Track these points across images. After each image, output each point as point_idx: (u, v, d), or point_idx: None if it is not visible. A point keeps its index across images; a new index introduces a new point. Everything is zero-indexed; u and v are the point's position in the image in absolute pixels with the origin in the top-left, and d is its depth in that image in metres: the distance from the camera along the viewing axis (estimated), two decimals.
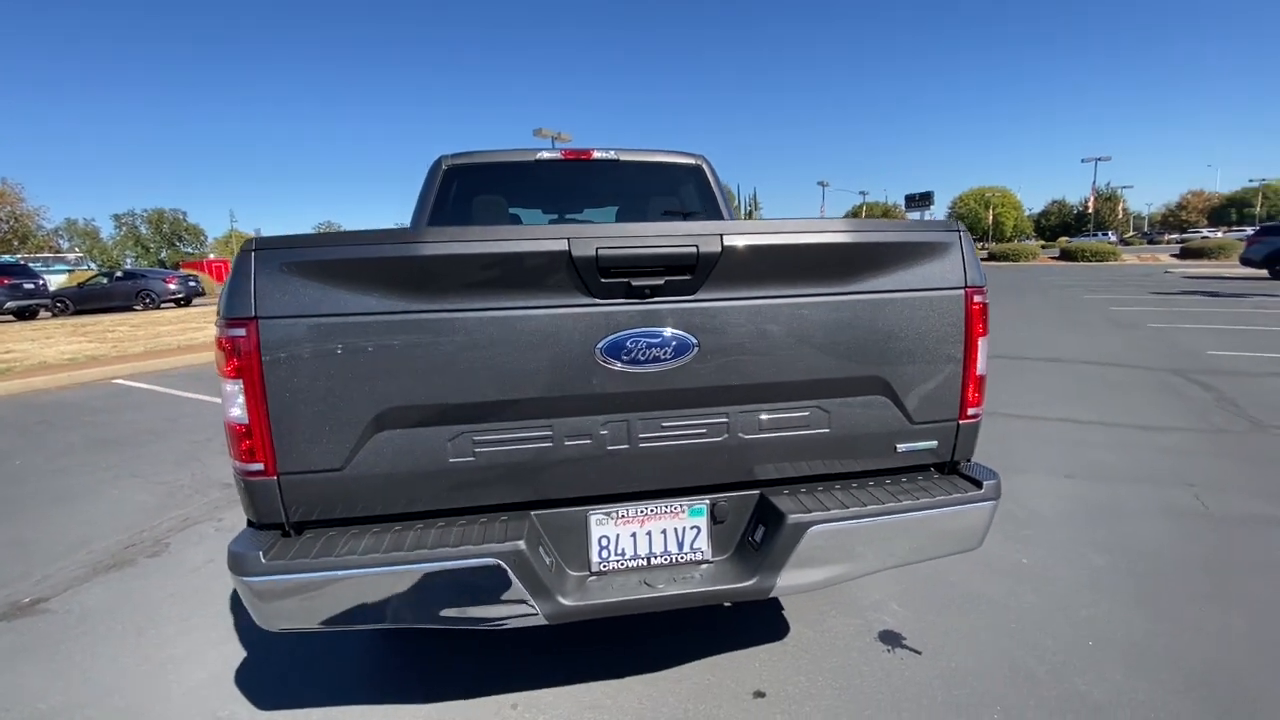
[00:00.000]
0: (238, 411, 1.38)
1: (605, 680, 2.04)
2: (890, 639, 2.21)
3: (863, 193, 61.96)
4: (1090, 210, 51.84)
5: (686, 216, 3.39)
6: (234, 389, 1.37)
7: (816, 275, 1.49)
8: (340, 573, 1.35)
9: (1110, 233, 49.88)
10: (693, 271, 1.42)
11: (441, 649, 2.24)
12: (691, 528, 1.59)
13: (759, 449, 1.55)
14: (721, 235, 1.41)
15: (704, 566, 1.59)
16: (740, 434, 1.53)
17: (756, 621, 2.33)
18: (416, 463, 1.44)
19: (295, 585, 1.35)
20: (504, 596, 1.40)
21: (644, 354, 1.43)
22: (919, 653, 2.13)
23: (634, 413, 1.48)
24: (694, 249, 1.39)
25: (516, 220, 3.43)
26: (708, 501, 1.59)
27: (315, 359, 1.36)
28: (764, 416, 1.53)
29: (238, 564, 1.37)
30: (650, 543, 1.57)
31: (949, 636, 2.20)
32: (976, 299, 1.58)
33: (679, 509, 1.58)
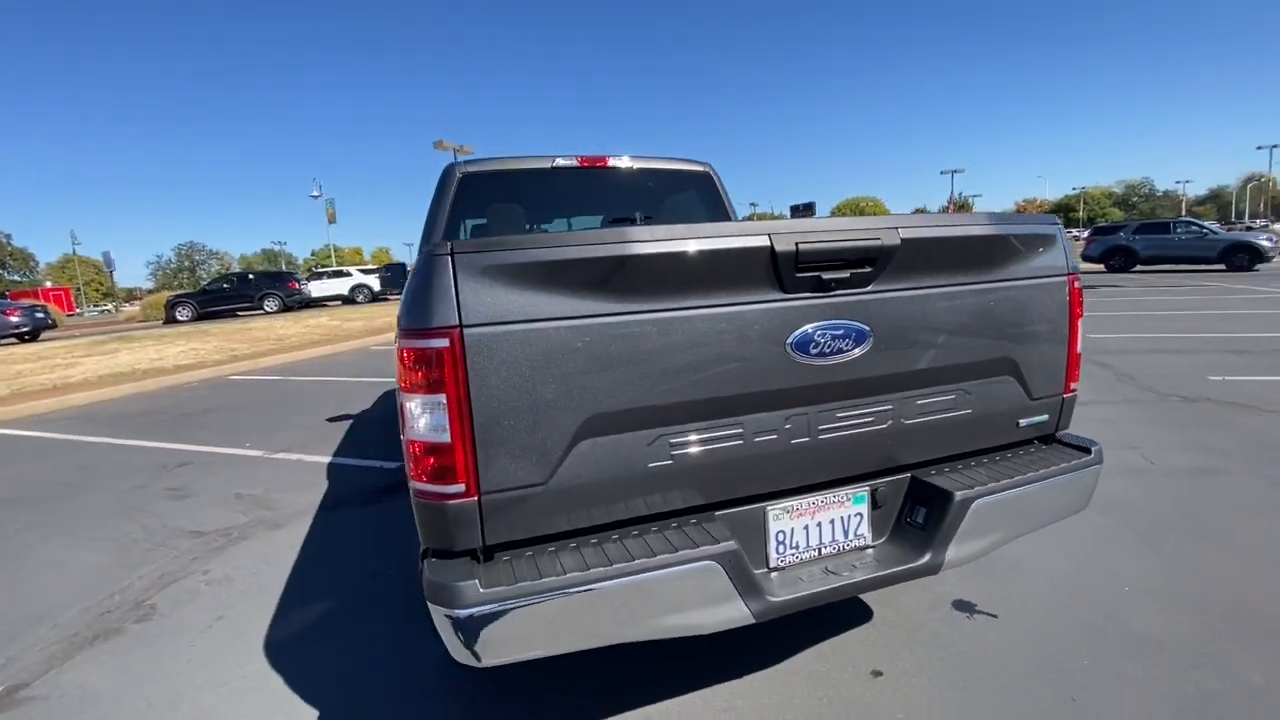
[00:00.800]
0: (434, 429, 1.27)
1: (727, 682, 2.04)
2: (965, 607, 2.37)
3: (753, 204, 65.39)
4: None
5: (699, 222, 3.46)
6: (428, 404, 1.27)
7: (965, 265, 1.61)
8: (561, 594, 1.27)
9: None
10: (874, 264, 1.48)
11: (561, 668, 2.13)
12: (855, 515, 1.65)
13: (914, 433, 1.63)
14: (899, 229, 1.48)
15: (868, 552, 1.65)
16: (901, 419, 1.61)
17: (830, 608, 2.42)
18: (617, 470, 1.39)
19: (514, 612, 1.26)
20: (717, 599, 1.38)
21: (829, 346, 1.47)
22: (995, 616, 2.30)
23: (816, 405, 1.51)
24: (879, 242, 1.45)
25: (537, 228, 3.35)
26: (868, 488, 1.65)
27: (522, 367, 1.29)
28: (920, 402, 1.62)
29: (448, 596, 1.25)
30: (820, 534, 1.61)
31: (1011, 600, 2.40)
32: (1076, 284, 1.77)
33: (844, 498, 1.63)
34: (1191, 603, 2.30)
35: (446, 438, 1.28)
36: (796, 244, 1.40)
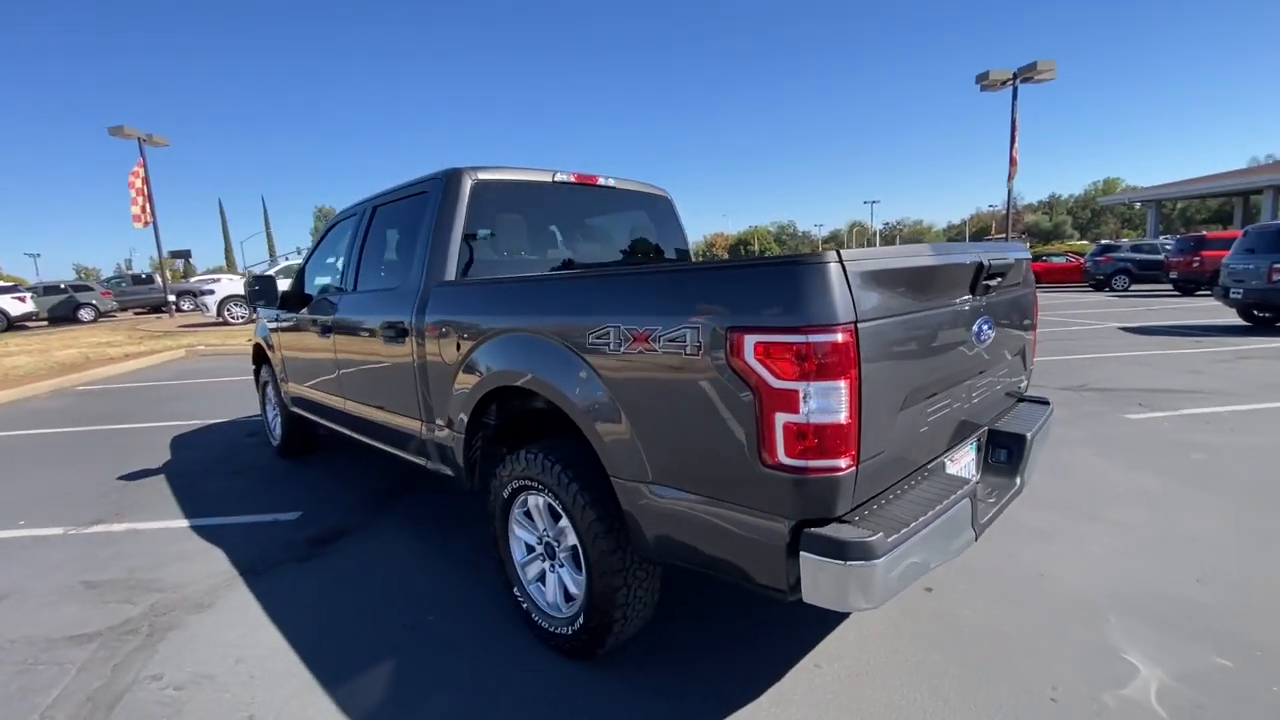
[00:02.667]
0: (832, 412, 1.45)
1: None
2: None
3: (724, 215, 67.01)
4: None
5: (658, 244, 3.79)
6: (826, 390, 1.44)
7: (1017, 280, 2.33)
8: (916, 535, 1.56)
9: None
10: (1003, 277, 2.08)
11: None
12: (972, 460, 2.22)
13: (993, 397, 2.29)
14: (1013, 254, 2.12)
15: (977, 483, 2.22)
16: (995, 387, 2.25)
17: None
18: (912, 436, 1.72)
19: (900, 555, 1.50)
20: (964, 524, 1.80)
21: (984, 335, 2.03)
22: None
23: (974, 379, 2.05)
24: (1013, 261, 2.06)
25: (539, 238, 3.29)
26: (976, 439, 2.24)
27: (883, 353, 1.55)
28: (1000, 374, 2.29)
29: (866, 550, 1.44)
30: (959, 472, 2.15)
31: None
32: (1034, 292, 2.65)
33: (968, 448, 2.19)
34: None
35: (843, 419, 1.47)
36: (990, 261, 1.93)
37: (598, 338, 1.90)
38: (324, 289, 3.98)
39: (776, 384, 1.49)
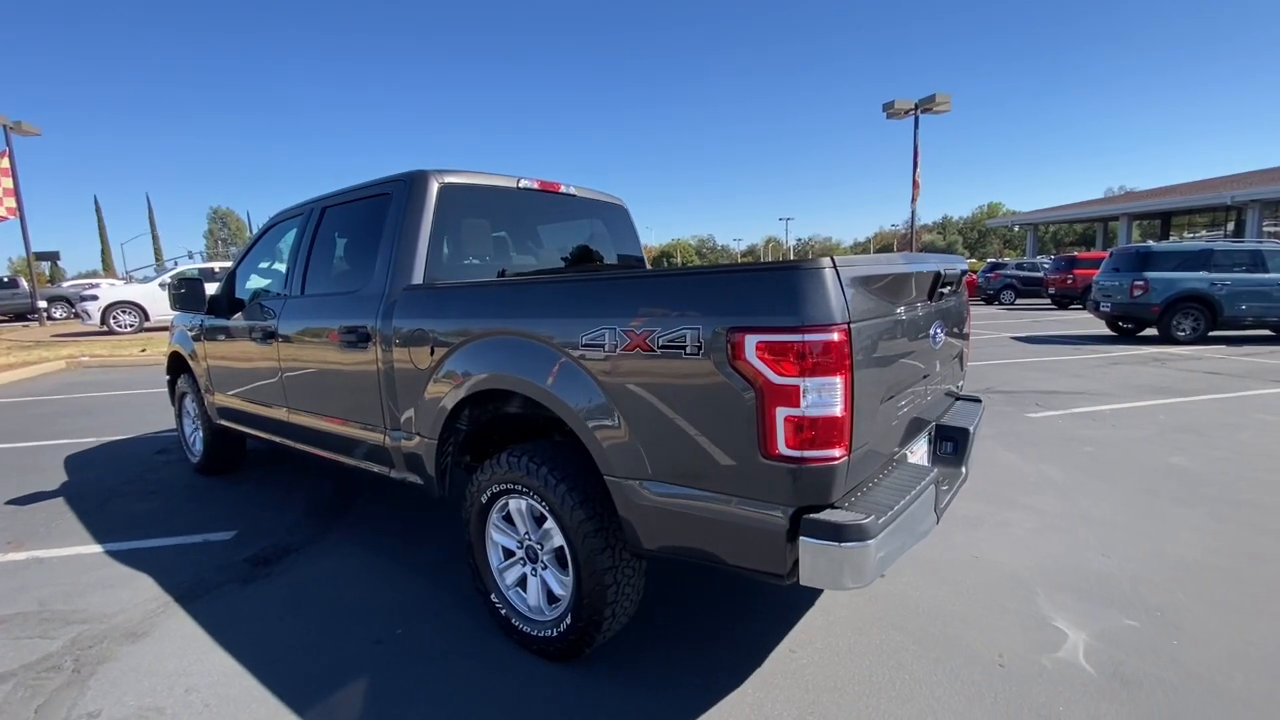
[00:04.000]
0: (828, 405, 1.57)
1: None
2: None
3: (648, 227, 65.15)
4: None
5: (616, 252, 3.87)
6: (823, 385, 1.56)
7: (961, 285, 2.58)
8: (898, 517, 1.71)
9: None
10: (953, 285, 2.31)
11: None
12: (925, 451, 2.44)
13: (939, 394, 2.52)
14: (959, 265, 2.35)
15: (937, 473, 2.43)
16: (941, 384, 2.48)
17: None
18: (885, 429, 1.88)
19: (888, 535, 1.64)
20: (929, 508, 1.98)
21: (937, 337, 2.24)
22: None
23: (929, 377, 2.25)
24: (959, 272, 2.29)
25: (500, 244, 3.27)
26: (927, 432, 2.46)
27: (869, 351, 1.69)
28: (945, 373, 2.52)
29: (861, 532, 1.56)
30: (918, 462, 2.35)
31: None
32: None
33: (922, 441, 2.40)
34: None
35: (839, 412, 1.59)
36: (943, 271, 2.14)
37: (591, 340, 1.95)
38: (261, 293, 3.77)
39: (778, 380, 1.59)
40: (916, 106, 18.19)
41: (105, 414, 6.97)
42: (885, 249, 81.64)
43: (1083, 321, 14.88)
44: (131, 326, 15.50)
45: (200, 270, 16.48)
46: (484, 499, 2.39)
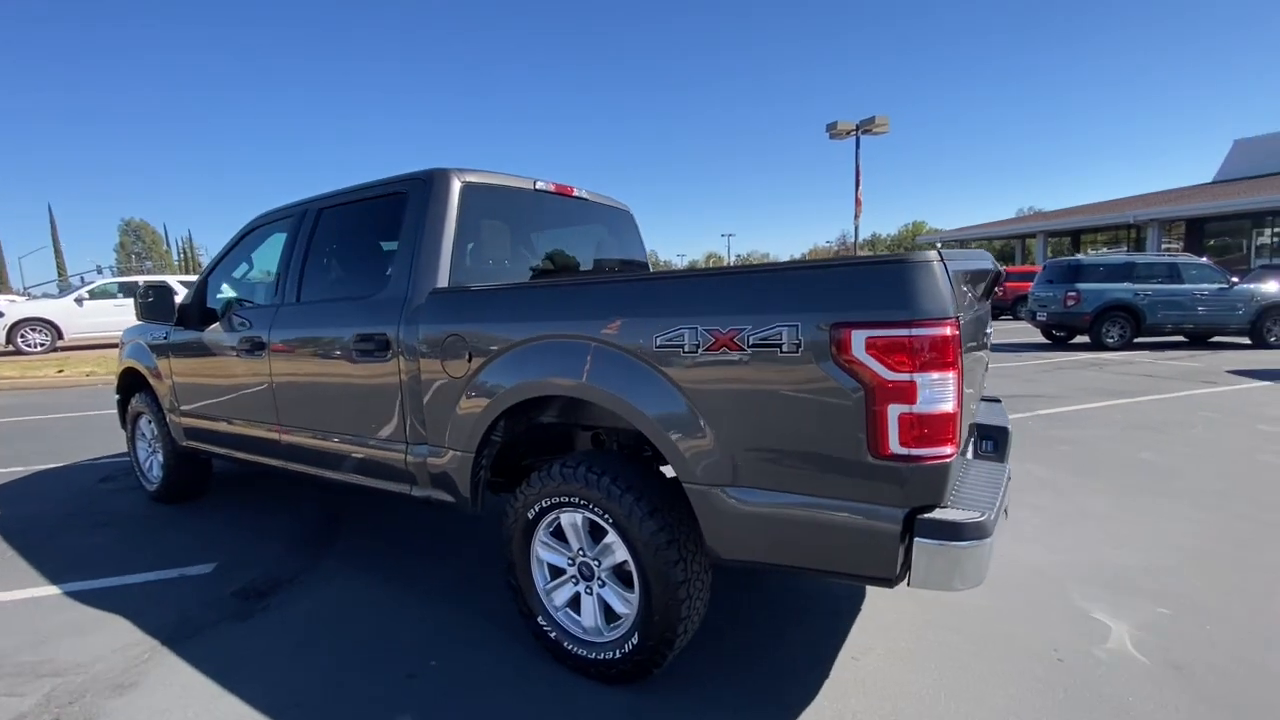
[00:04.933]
0: (943, 402, 1.54)
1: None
2: None
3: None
4: None
5: (624, 258, 3.80)
6: (939, 381, 1.53)
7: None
8: (999, 509, 1.70)
9: None
10: (998, 285, 2.36)
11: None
12: (970, 449, 2.45)
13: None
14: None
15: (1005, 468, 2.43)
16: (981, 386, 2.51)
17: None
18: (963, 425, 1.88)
19: (996, 533, 1.62)
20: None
21: (988, 334, 2.28)
22: None
23: (979, 374, 2.29)
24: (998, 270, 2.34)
25: (517, 246, 3.12)
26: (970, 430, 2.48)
27: (966, 348, 1.68)
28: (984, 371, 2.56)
29: (980, 530, 1.53)
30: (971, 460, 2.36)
31: None
32: None
33: (970, 438, 2.42)
34: None
35: (951, 407, 1.56)
36: (1002, 271, 2.17)
37: (667, 341, 1.86)
38: (240, 302, 3.47)
39: (890, 376, 1.55)
40: (857, 128, 19.01)
41: (27, 441, 6.27)
42: None
43: (1017, 331, 15.81)
44: (42, 346, 14.08)
45: (120, 285, 15.19)
46: (530, 514, 2.24)
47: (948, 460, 1.58)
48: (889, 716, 1.98)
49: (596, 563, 2.17)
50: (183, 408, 3.79)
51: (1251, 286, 11.32)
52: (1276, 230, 23.55)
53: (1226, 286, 11.20)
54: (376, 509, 4.00)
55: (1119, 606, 2.59)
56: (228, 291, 3.67)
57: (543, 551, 2.29)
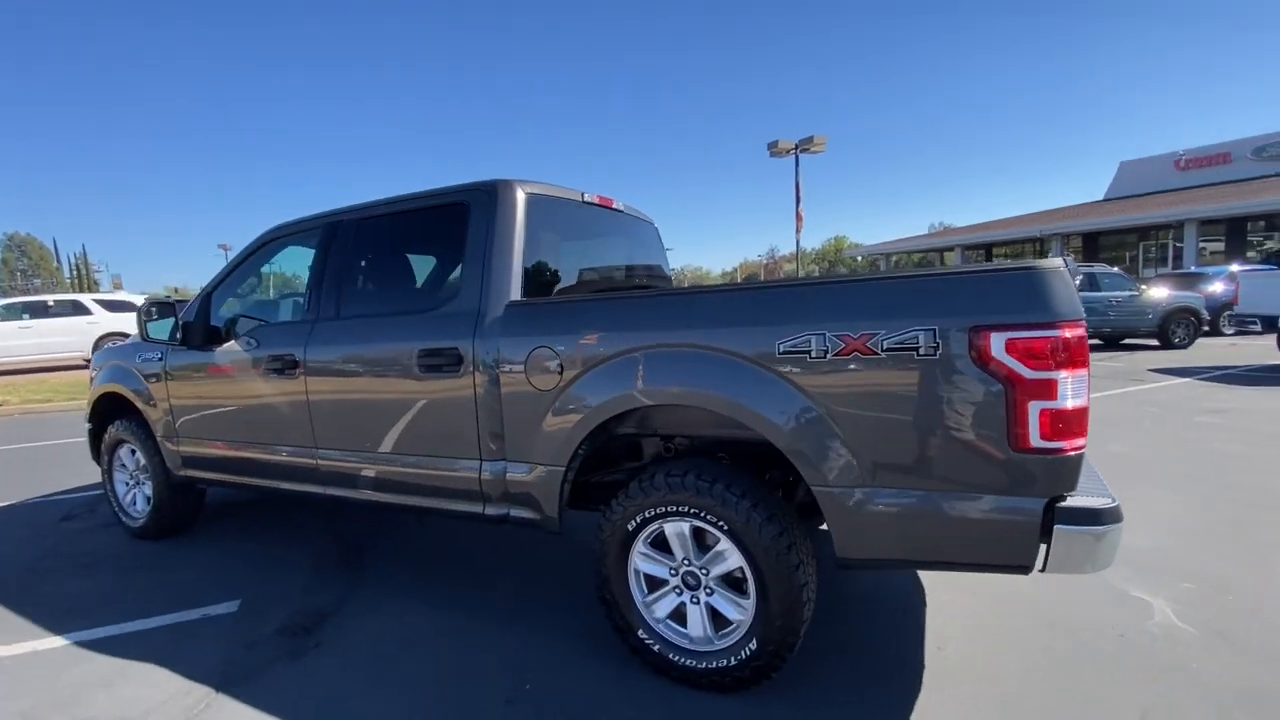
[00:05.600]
0: (1080, 396, 1.66)
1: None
2: None
3: None
4: None
5: (649, 266, 3.83)
6: (1077, 379, 1.65)
7: None
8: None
9: None
10: None
11: None
12: None
13: None
14: None
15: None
16: None
17: None
18: None
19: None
20: None
21: None
22: None
23: None
24: None
25: (570, 257, 3.09)
26: None
27: None
28: None
29: (1115, 515, 1.65)
30: None
31: None
32: None
33: None
34: None
35: (1084, 401, 1.68)
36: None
37: (793, 347, 1.91)
38: (253, 319, 3.27)
39: (1031, 375, 1.66)
40: (797, 146, 19.88)
41: None
42: (751, 277, 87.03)
43: None
44: None
45: (26, 306, 13.73)
46: (630, 526, 2.22)
47: (1082, 450, 1.70)
48: (1001, 698, 2.08)
49: (704, 571, 2.17)
50: (182, 434, 3.50)
51: (1155, 292, 12.57)
52: (1161, 243, 26.31)
53: (1137, 293, 12.39)
54: (388, 533, 3.83)
55: (1149, 584, 2.82)
56: (238, 309, 3.44)
57: (642, 563, 2.27)
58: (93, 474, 5.46)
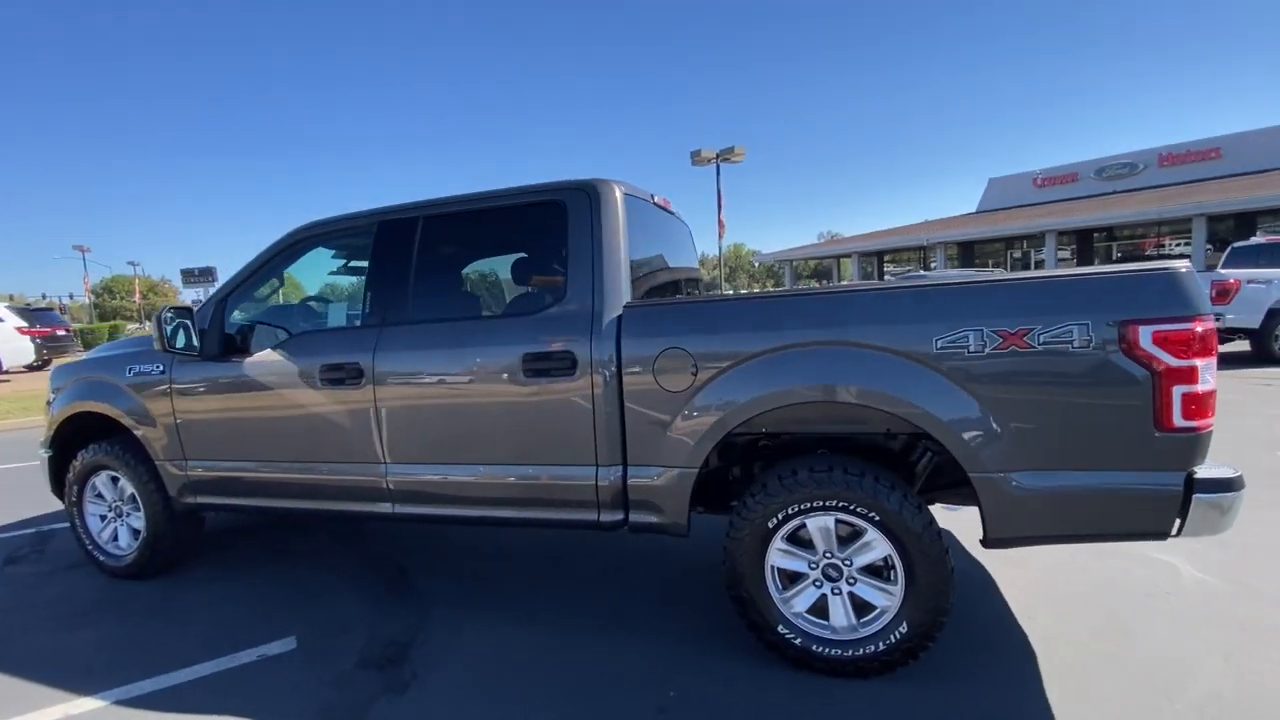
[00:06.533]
0: (1211, 380, 1.89)
1: None
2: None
3: (132, 263, 55.20)
4: None
5: (689, 268, 3.88)
6: (1209, 365, 1.88)
7: None
8: None
9: None
10: None
11: None
12: None
13: None
14: None
15: None
16: None
17: None
18: None
19: None
20: None
21: None
22: None
23: None
24: None
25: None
26: None
27: None
28: None
29: (1242, 481, 1.89)
30: None
31: None
32: None
33: None
34: None
35: (1214, 384, 1.91)
36: None
37: (950, 343, 2.03)
38: (286, 326, 2.97)
39: (1175, 363, 1.88)
40: (718, 155, 20.55)
41: None
42: None
43: None
44: None
45: None
46: (771, 523, 2.25)
47: (1212, 428, 1.95)
48: (1112, 655, 2.31)
49: (847, 563, 2.24)
50: (192, 456, 3.10)
51: None
52: (1025, 250, 29.74)
53: None
54: (419, 551, 3.60)
55: (1162, 548, 3.21)
56: (258, 314, 3.11)
57: (779, 560, 2.31)
58: (15, 508, 4.71)
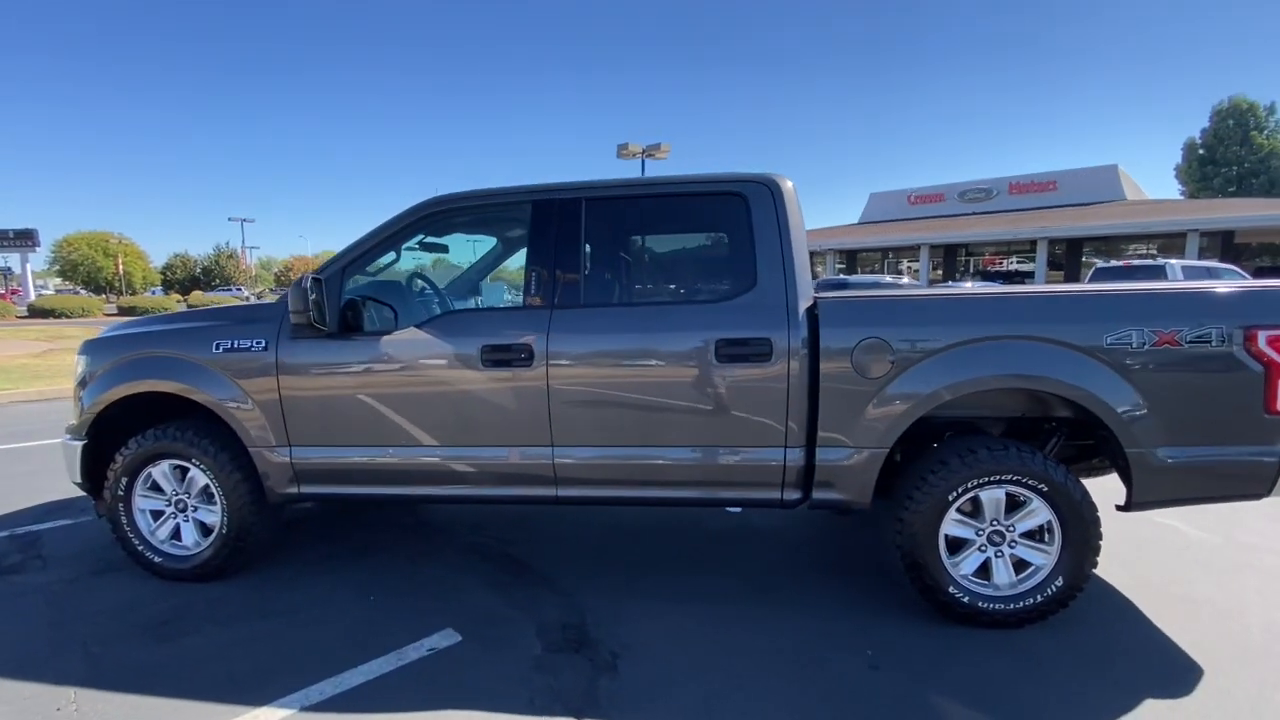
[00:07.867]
0: None
1: None
2: None
3: None
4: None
5: None
6: None
7: None
8: None
9: (239, 287, 53.11)
10: None
11: None
12: None
13: None
14: None
15: None
16: None
17: None
18: None
19: None
20: None
21: None
22: None
23: None
24: None
25: None
26: None
27: None
28: None
29: None
30: None
31: None
32: None
33: None
34: None
35: None
36: None
37: (1117, 340, 2.41)
38: (440, 305, 2.82)
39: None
40: (644, 151, 20.84)
41: None
42: None
43: None
44: None
45: None
46: (950, 496, 2.53)
47: None
48: (1185, 592, 2.85)
49: (1010, 528, 2.57)
50: (298, 442, 2.82)
51: None
52: (900, 260, 33.10)
53: None
54: (528, 537, 3.51)
55: (1157, 514, 3.91)
56: (372, 291, 2.89)
57: (952, 528, 2.59)
58: None
